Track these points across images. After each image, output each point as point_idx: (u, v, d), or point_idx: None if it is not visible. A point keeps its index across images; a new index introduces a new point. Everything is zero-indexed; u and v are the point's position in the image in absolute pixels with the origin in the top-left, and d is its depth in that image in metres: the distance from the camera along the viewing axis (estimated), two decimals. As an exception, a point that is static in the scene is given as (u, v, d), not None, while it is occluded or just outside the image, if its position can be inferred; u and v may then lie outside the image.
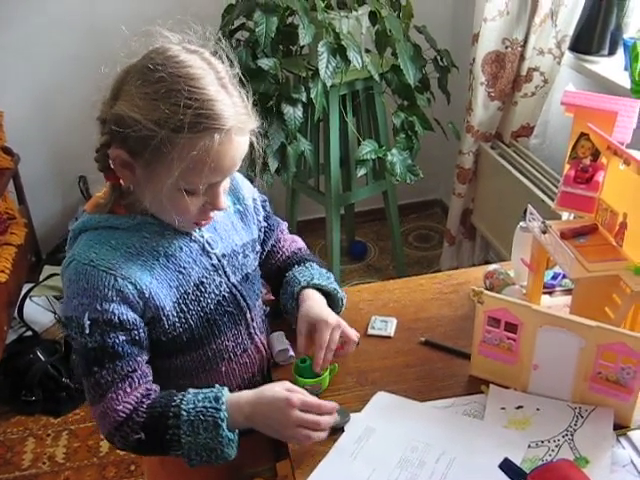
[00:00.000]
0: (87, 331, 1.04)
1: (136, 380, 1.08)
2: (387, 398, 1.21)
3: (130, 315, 1.06)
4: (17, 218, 2.78)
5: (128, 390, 1.07)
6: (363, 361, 1.29)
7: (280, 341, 1.29)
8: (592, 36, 2.19)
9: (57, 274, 2.74)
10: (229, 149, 1.01)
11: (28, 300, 2.66)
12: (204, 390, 1.09)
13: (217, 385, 1.10)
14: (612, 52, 2.18)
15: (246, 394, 1.09)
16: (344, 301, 1.32)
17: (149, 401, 1.08)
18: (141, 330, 1.08)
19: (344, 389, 1.23)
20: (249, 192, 1.29)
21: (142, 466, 2.13)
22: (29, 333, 2.61)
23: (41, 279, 2.76)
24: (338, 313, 1.29)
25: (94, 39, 2.74)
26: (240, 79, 1.07)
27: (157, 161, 1.00)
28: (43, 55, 2.76)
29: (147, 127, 0.97)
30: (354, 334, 1.24)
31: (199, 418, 1.04)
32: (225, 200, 1.09)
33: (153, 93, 0.98)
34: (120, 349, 1.05)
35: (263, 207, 1.32)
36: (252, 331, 1.24)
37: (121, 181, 1.10)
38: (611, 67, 2.14)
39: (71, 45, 2.76)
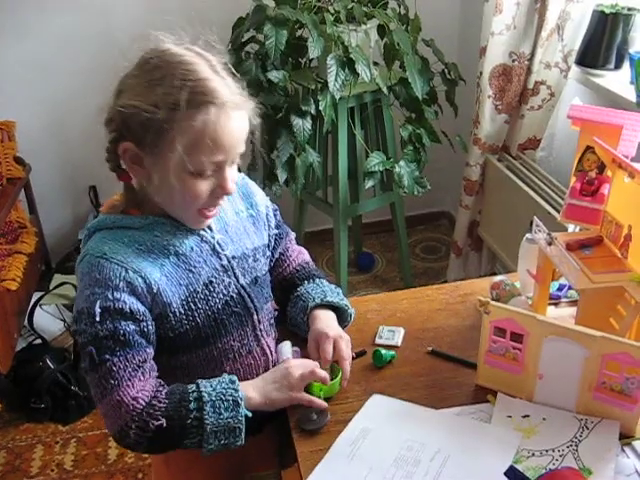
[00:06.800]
0: (98, 319, 1.06)
1: (147, 371, 1.10)
2: (382, 400, 1.23)
3: (140, 306, 1.09)
4: (28, 227, 2.81)
5: (142, 379, 1.09)
6: (370, 370, 1.31)
7: (287, 349, 1.30)
8: (598, 50, 2.21)
9: (67, 283, 2.77)
10: (227, 122, 1.05)
11: (38, 308, 2.67)
12: (215, 378, 1.14)
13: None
14: (618, 66, 2.20)
15: (251, 380, 1.19)
16: (353, 316, 1.37)
17: (165, 390, 1.11)
18: (149, 323, 1.11)
19: (352, 397, 1.24)
20: (262, 199, 1.33)
21: (151, 473, 2.15)
22: (39, 341, 2.62)
23: (51, 288, 2.78)
24: (345, 326, 1.34)
25: (107, 51, 2.77)
26: (232, 73, 1.11)
27: (160, 141, 1.04)
28: (56, 66, 2.80)
29: (147, 110, 1.03)
30: (347, 353, 1.26)
31: (220, 399, 1.09)
32: (233, 185, 1.12)
33: (150, 80, 1.05)
34: (131, 337, 1.08)
35: (274, 215, 1.37)
36: (258, 333, 1.26)
37: (133, 180, 1.14)
38: (617, 81, 2.15)
39: (83, 57, 2.79)
